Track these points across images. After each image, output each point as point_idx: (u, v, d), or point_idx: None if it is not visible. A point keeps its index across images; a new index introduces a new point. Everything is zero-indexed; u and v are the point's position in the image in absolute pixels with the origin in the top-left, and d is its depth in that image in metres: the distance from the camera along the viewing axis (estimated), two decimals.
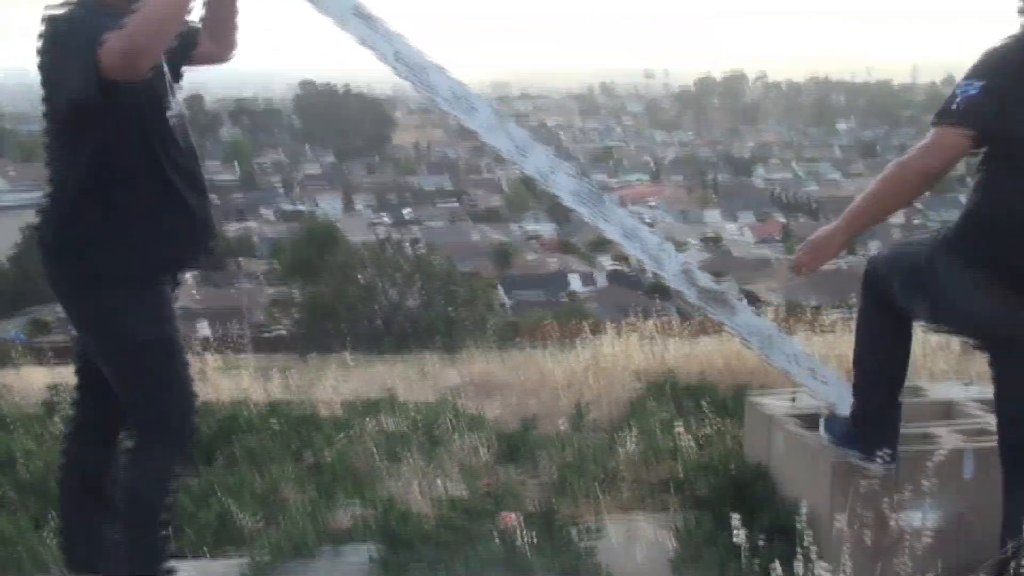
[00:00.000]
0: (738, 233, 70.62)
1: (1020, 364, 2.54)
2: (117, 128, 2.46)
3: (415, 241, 31.50)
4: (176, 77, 2.74)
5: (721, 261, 51.19)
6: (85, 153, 2.46)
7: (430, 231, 59.04)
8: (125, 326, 2.57)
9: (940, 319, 2.71)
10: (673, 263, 3.02)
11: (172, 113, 2.60)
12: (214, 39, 2.93)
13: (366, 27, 2.88)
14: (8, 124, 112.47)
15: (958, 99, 2.35)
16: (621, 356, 5.91)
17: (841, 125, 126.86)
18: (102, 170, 2.47)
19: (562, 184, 2.98)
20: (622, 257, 49.38)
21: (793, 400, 3.34)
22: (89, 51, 2.25)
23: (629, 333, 6.74)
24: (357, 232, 47.87)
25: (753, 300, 25.57)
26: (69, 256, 2.53)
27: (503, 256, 51.06)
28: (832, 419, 2.97)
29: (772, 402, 3.38)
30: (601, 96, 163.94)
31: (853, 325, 3.06)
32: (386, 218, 68.57)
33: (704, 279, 3.03)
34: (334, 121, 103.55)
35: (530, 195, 71.41)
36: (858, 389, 2.88)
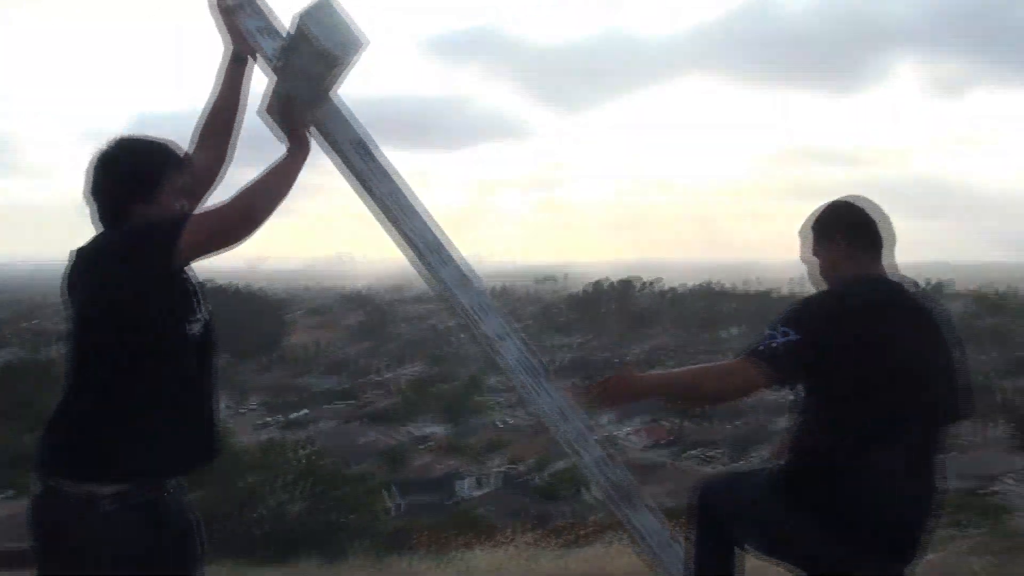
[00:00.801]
0: (634, 436, 70.88)
1: None
2: (130, 346, 2.29)
3: (305, 443, 30.84)
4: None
5: None
6: (94, 366, 2.33)
7: (321, 432, 57.82)
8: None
9: (772, 551, 2.76)
10: (593, 451, 3.02)
11: (194, 329, 2.41)
12: (209, 147, 2.67)
13: (364, 162, 2.83)
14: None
15: (772, 342, 2.49)
16: (499, 569, 5.81)
17: (732, 330, 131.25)
18: (104, 386, 2.32)
19: (510, 351, 3.00)
20: (515, 459, 49.25)
21: None
22: (167, 227, 2.23)
23: (509, 543, 6.65)
24: (245, 434, 46.58)
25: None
26: (49, 454, 2.36)
27: (395, 458, 50.18)
28: None
29: None
30: (500, 298, 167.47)
31: None
32: (277, 419, 67.01)
33: (618, 473, 3.02)
34: (229, 321, 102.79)
35: (423, 396, 71.18)
36: None
